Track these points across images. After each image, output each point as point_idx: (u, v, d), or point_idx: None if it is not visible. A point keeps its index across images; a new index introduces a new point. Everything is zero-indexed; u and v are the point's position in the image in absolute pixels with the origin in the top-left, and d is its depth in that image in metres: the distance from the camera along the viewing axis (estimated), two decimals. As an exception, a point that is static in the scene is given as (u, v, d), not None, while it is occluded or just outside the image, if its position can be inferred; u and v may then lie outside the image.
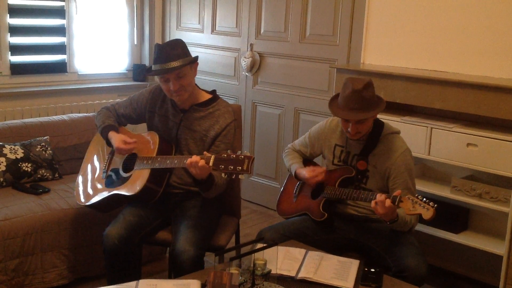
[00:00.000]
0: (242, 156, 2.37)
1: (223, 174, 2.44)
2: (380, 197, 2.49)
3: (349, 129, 2.72)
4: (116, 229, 2.75)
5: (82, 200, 3.00)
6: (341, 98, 2.73)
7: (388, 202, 2.45)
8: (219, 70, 5.09)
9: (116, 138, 2.89)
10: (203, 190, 2.73)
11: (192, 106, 2.90)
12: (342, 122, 2.77)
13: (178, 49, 2.77)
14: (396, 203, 2.45)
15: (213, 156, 2.44)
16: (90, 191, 3.00)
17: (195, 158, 2.52)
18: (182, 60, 2.75)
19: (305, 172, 2.86)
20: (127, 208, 2.90)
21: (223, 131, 2.85)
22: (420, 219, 2.49)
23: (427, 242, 3.52)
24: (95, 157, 3.14)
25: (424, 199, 2.41)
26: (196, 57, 2.86)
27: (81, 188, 3.06)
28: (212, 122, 2.87)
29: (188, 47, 2.89)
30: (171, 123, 2.94)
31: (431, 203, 2.38)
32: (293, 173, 2.97)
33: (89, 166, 3.13)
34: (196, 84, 2.95)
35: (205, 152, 2.53)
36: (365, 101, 2.66)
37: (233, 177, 2.42)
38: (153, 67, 2.79)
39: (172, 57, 2.73)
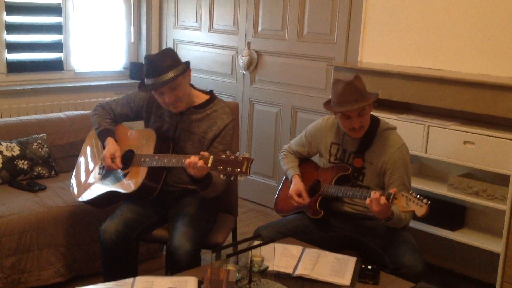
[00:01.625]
0: (241, 158, 2.34)
1: (221, 175, 2.42)
2: (374, 194, 2.49)
3: (353, 126, 2.71)
4: (113, 225, 2.75)
5: (78, 196, 2.99)
6: (335, 96, 2.73)
7: (383, 199, 2.46)
8: (216, 68, 5.08)
9: (109, 148, 2.86)
10: (200, 189, 2.72)
11: (189, 109, 2.88)
12: (342, 122, 2.76)
13: (168, 59, 2.72)
14: (390, 200, 2.46)
15: (211, 157, 2.42)
16: (86, 187, 2.99)
17: (193, 158, 2.50)
18: (174, 71, 2.69)
19: (292, 188, 2.87)
20: (124, 204, 2.90)
21: (222, 132, 2.83)
22: (414, 215, 2.49)
23: (424, 239, 3.52)
24: (91, 153, 3.12)
25: (418, 196, 2.41)
26: (188, 64, 2.80)
27: (77, 184, 3.05)
28: (210, 124, 2.85)
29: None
30: (168, 125, 2.92)
31: (424, 200, 2.39)
32: (289, 179, 2.97)
33: (85, 162, 3.12)
34: (192, 85, 2.92)
35: (202, 153, 2.50)
36: (360, 91, 2.68)
37: (232, 178, 2.40)
38: (146, 81, 2.75)
39: (163, 69, 2.68)
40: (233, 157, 2.35)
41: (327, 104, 2.81)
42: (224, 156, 2.37)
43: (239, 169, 2.33)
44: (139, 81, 2.86)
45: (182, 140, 2.88)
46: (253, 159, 2.37)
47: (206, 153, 2.48)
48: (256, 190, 4.88)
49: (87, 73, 5.12)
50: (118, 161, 2.84)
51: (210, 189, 2.71)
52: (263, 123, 4.78)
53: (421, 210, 2.38)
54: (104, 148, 2.91)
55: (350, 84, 2.67)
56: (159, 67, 2.68)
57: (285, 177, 3.12)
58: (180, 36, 5.27)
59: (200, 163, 2.46)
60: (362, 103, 2.66)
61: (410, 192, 2.45)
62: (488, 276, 3.42)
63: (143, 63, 2.77)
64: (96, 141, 3.08)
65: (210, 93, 2.97)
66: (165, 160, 2.73)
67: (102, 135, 2.94)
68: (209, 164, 2.41)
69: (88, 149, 3.16)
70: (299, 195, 2.84)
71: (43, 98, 4.68)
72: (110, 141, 2.90)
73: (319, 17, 4.29)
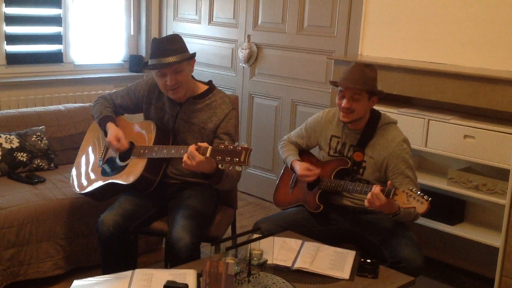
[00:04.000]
0: (240, 148, 2.34)
1: (219, 165, 2.42)
2: (375, 189, 2.48)
3: (342, 105, 2.71)
4: (111, 216, 2.75)
5: (78, 188, 2.98)
6: (342, 72, 2.75)
7: (382, 195, 2.45)
8: (216, 61, 5.07)
9: (111, 132, 2.88)
10: (214, 183, 2.71)
11: (189, 99, 2.88)
12: (338, 99, 2.76)
13: (176, 44, 2.76)
14: (391, 196, 2.45)
15: (210, 147, 2.43)
16: (86, 179, 2.98)
17: (190, 148, 2.49)
18: (180, 56, 2.73)
19: (299, 168, 2.85)
20: (123, 196, 2.90)
21: (222, 122, 2.84)
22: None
23: (423, 233, 3.52)
24: (91, 145, 3.12)
25: (419, 192, 2.40)
26: (194, 54, 2.84)
27: (77, 177, 3.05)
28: (210, 114, 2.85)
29: (185, 38, 2.88)
30: (168, 116, 2.92)
31: (425, 197, 2.38)
32: (289, 165, 2.96)
33: (85, 155, 3.11)
34: (192, 76, 2.92)
35: (200, 144, 2.50)
36: (364, 77, 2.67)
37: (230, 168, 2.40)
38: (150, 62, 2.77)
39: (170, 51, 2.71)
40: (231, 147, 2.35)
41: (333, 81, 2.84)
42: (222, 146, 2.37)
43: (237, 159, 2.33)
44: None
45: (182, 130, 2.88)
46: (251, 149, 2.37)
47: (204, 144, 2.47)
48: (255, 184, 4.88)
49: (87, 65, 5.10)
50: (123, 141, 2.85)
51: (224, 181, 2.70)
52: (263, 117, 4.77)
53: (422, 207, 2.37)
54: (106, 135, 2.92)
55: (359, 66, 2.70)
56: (166, 49, 2.71)
57: (284, 170, 3.11)
58: (180, 28, 5.26)
59: (199, 157, 2.45)
60: (358, 86, 2.66)
61: (411, 188, 2.44)
62: (487, 270, 3.42)
63: (151, 44, 2.78)
64: (97, 134, 3.08)
65: (209, 83, 2.97)
66: (164, 151, 2.73)
67: (102, 122, 2.95)
68: (208, 154, 2.41)
69: (89, 142, 3.16)
70: (309, 169, 2.82)
71: (42, 91, 4.66)
72: (111, 126, 2.92)
73: (319, 10, 4.27)
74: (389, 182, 2.52)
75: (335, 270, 2.35)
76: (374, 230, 2.77)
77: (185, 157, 2.50)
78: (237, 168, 2.37)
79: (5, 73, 4.55)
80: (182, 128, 2.88)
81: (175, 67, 2.72)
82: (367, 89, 2.68)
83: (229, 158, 2.34)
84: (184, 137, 2.88)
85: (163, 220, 2.92)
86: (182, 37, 2.86)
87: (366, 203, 2.52)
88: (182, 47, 2.78)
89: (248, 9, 4.73)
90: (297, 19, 4.42)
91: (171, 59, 2.70)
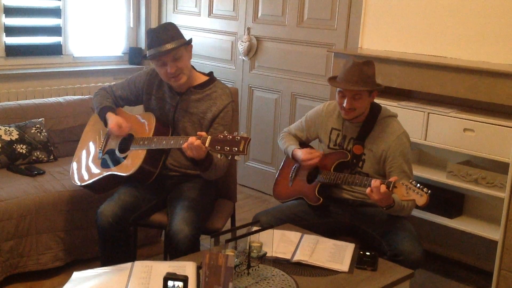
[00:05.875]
0: (239, 137, 2.35)
1: (219, 155, 2.43)
2: (375, 183, 2.48)
3: (344, 104, 2.71)
4: (110, 207, 2.75)
5: (77, 180, 2.98)
6: (341, 72, 2.74)
7: (383, 188, 2.45)
8: (216, 54, 5.06)
9: (112, 120, 2.89)
10: (202, 171, 2.72)
11: (189, 89, 2.89)
12: (338, 98, 2.76)
13: (171, 31, 2.77)
14: (390, 189, 2.45)
15: (209, 137, 2.43)
16: (85, 171, 2.99)
17: (191, 139, 2.51)
18: (176, 42, 2.74)
19: (301, 154, 2.86)
20: (122, 188, 2.90)
21: (221, 113, 2.84)
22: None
23: (422, 227, 3.52)
24: (91, 138, 3.12)
25: (418, 185, 2.41)
26: (190, 39, 2.85)
27: (77, 169, 3.05)
28: (209, 104, 2.85)
29: (185, 31, 2.88)
30: (168, 106, 2.92)
31: (425, 189, 2.38)
32: (290, 154, 2.96)
33: (85, 147, 3.11)
34: (192, 66, 2.93)
35: (199, 133, 2.51)
36: (364, 75, 2.66)
37: (229, 158, 2.41)
38: (148, 52, 2.78)
39: (166, 39, 2.72)
40: (230, 136, 2.36)
41: (333, 77, 2.82)
42: (221, 136, 2.38)
43: (236, 149, 2.33)
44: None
45: (182, 120, 2.89)
46: (250, 139, 2.38)
47: (203, 133, 2.48)
48: (255, 177, 4.88)
49: (86, 57, 5.09)
50: (125, 125, 2.86)
51: (211, 170, 2.71)
52: (263, 110, 4.77)
53: (421, 199, 2.38)
54: (105, 125, 2.92)
55: (357, 65, 2.67)
56: (162, 38, 2.73)
57: (283, 163, 3.11)
58: (179, 21, 5.24)
59: (197, 142, 2.47)
60: (358, 87, 2.66)
61: (411, 181, 2.45)
62: (486, 263, 3.43)
63: (146, 36, 2.79)
64: (97, 126, 3.08)
65: (210, 74, 2.97)
66: (163, 142, 2.73)
67: (102, 112, 2.96)
68: (207, 144, 2.42)
69: (89, 134, 3.16)
70: (311, 153, 2.83)
71: (41, 83, 4.66)
72: (110, 115, 2.92)
73: (319, 3, 4.26)
74: (395, 177, 2.52)
75: (334, 263, 2.36)
76: (373, 223, 2.77)
77: (185, 146, 2.51)
78: (236, 158, 2.38)
79: (4, 65, 4.54)
80: (182, 117, 2.89)
81: (173, 53, 2.74)
82: (367, 89, 2.68)
83: (228, 148, 2.35)
84: (184, 126, 2.88)
85: (162, 212, 2.92)
86: (182, 30, 2.86)
87: (368, 190, 2.53)
88: (178, 34, 2.79)
89: (248, 1, 4.71)
90: (297, 11, 4.40)
91: (168, 46, 2.71)
